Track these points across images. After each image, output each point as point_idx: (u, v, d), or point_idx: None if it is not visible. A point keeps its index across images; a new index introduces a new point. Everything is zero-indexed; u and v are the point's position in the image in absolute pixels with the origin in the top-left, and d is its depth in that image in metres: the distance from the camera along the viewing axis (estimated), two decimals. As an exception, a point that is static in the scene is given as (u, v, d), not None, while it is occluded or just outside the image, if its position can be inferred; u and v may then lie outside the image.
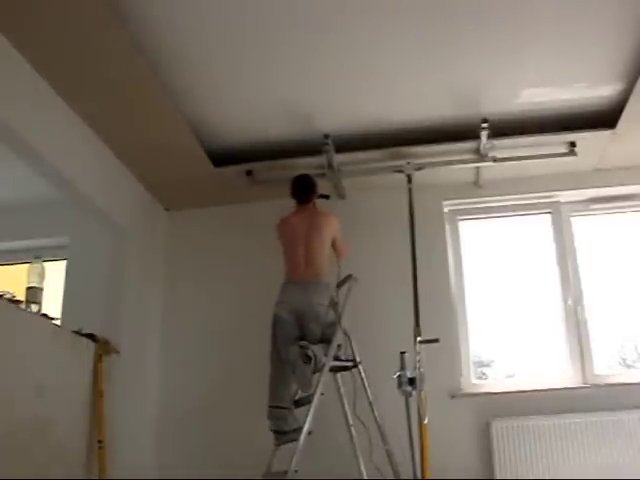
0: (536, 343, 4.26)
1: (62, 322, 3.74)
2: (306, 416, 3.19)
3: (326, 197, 4.10)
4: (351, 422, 3.50)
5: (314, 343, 3.40)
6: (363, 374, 3.55)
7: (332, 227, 3.77)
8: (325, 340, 3.45)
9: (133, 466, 3.83)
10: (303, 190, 3.85)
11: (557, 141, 4.03)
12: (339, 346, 3.48)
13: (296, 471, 3.06)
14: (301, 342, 3.36)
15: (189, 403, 4.27)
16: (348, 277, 3.67)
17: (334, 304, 3.54)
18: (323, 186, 4.35)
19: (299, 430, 3.16)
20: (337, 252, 3.84)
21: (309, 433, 3.16)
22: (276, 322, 3.51)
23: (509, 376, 4.34)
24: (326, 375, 3.37)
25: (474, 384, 4.17)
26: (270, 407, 3.40)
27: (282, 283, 3.65)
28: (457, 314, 4.29)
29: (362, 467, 3.39)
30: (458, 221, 4.56)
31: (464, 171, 4.30)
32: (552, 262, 4.37)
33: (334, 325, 3.46)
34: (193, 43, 3.22)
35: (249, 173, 4.24)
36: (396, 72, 3.53)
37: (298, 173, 3.93)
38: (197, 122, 3.85)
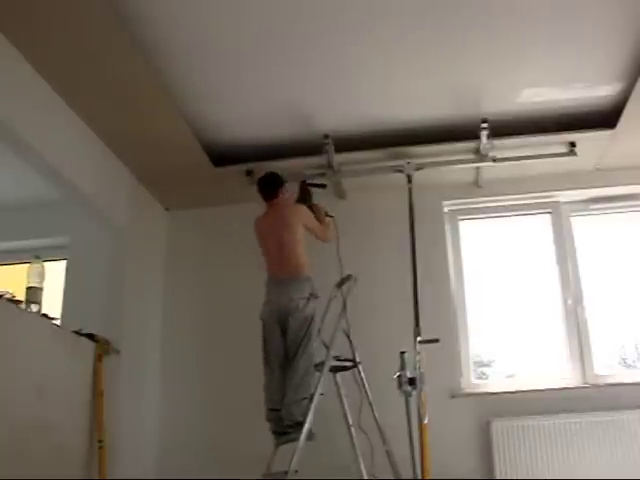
0: (536, 343, 4.26)
1: (62, 322, 3.74)
2: (306, 416, 3.20)
3: (322, 186, 4.05)
4: (351, 422, 3.50)
5: (294, 343, 3.37)
6: (363, 374, 3.55)
7: (299, 216, 3.67)
8: (301, 340, 3.37)
9: (133, 466, 3.84)
10: (266, 187, 3.76)
11: (557, 141, 4.03)
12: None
13: (296, 471, 3.05)
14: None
15: (189, 403, 4.27)
16: (348, 277, 3.67)
17: (314, 297, 3.47)
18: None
19: (298, 427, 3.16)
20: (318, 237, 3.79)
21: (311, 437, 3.17)
22: (263, 326, 3.51)
23: (509, 376, 4.34)
24: (326, 375, 3.37)
25: (474, 384, 4.17)
26: (267, 409, 3.40)
27: (266, 280, 3.63)
28: (457, 314, 4.29)
29: (362, 467, 3.38)
30: (458, 221, 4.56)
31: (464, 171, 4.30)
32: (552, 262, 4.37)
33: (311, 321, 3.41)
34: (193, 43, 3.22)
35: (249, 173, 4.24)
36: (396, 72, 3.53)
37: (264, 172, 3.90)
38: (197, 122, 3.85)
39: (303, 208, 3.77)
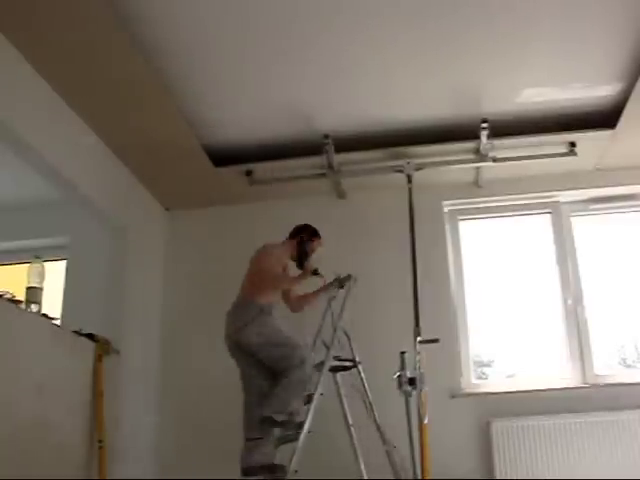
0: (536, 343, 4.26)
1: (62, 322, 3.74)
2: (306, 416, 3.20)
3: (316, 274, 3.61)
4: (351, 422, 3.49)
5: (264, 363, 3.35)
6: (363, 374, 3.55)
7: (266, 254, 3.56)
8: (264, 361, 3.34)
9: (133, 466, 3.84)
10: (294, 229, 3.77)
11: (557, 141, 4.03)
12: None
13: (296, 471, 3.06)
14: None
15: (189, 403, 4.27)
16: (347, 277, 3.67)
17: (260, 315, 3.36)
18: (323, 186, 4.37)
19: (291, 423, 3.16)
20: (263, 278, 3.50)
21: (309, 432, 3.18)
22: None
23: (509, 376, 4.34)
24: (326, 375, 3.37)
25: (474, 384, 4.17)
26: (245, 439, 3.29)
27: None
28: (457, 314, 4.29)
29: (362, 467, 3.38)
30: (458, 221, 4.56)
31: (464, 171, 4.30)
32: (552, 262, 4.37)
33: (265, 343, 3.33)
34: (193, 43, 3.22)
35: (249, 173, 4.25)
36: (396, 72, 3.53)
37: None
38: (197, 122, 3.85)
39: (277, 252, 3.62)
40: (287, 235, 3.79)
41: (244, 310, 3.41)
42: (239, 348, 3.38)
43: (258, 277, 3.50)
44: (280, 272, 3.62)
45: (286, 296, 3.70)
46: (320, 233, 3.78)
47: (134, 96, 3.43)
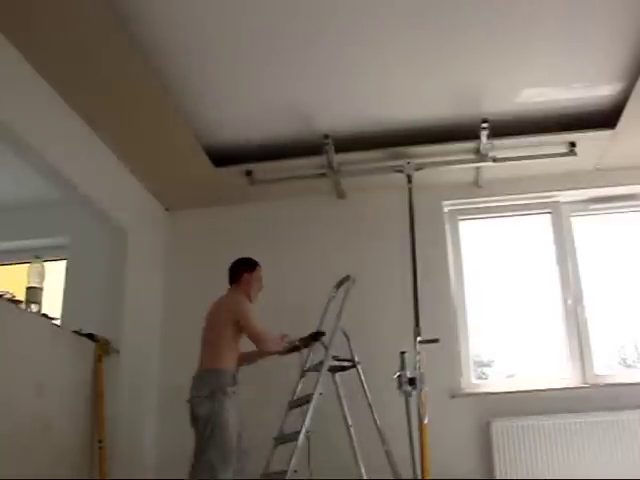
0: (536, 343, 4.26)
1: (62, 322, 3.75)
2: (305, 415, 3.20)
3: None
4: (350, 423, 3.49)
5: (198, 444, 3.12)
6: (362, 374, 3.55)
7: (233, 307, 3.32)
8: (203, 440, 3.09)
9: (133, 466, 3.84)
10: (230, 271, 3.53)
11: (557, 141, 4.02)
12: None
13: (295, 471, 3.06)
14: None
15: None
16: (346, 278, 3.68)
17: (220, 394, 3.15)
18: (323, 186, 4.37)
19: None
20: (252, 340, 3.30)
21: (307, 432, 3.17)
22: None
23: (509, 376, 4.34)
24: (325, 375, 3.37)
25: (474, 384, 4.17)
26: None
27: None
28: (457, 314, 4.28)
29: (362, 467, 3.38)
30: (458, 221, 4.55)
31: (464, 171, 4.30)
32: (552, 262, 4.37)
33: (209, 421, 3.09)
34: (192, 43, 3.22)
35: (249, 173, 4.25)
36: (396, 72, 3.53)
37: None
38: (197, 122, 3.85)
39: (245, 302, 3.39)
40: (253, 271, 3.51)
41: (210, 378, 3.20)
42: (194, 416, 3.18)
43: (219, 337, 3.28)
44: (266, 330, 3.33)
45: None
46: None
47: (133, 96, 3.43)
